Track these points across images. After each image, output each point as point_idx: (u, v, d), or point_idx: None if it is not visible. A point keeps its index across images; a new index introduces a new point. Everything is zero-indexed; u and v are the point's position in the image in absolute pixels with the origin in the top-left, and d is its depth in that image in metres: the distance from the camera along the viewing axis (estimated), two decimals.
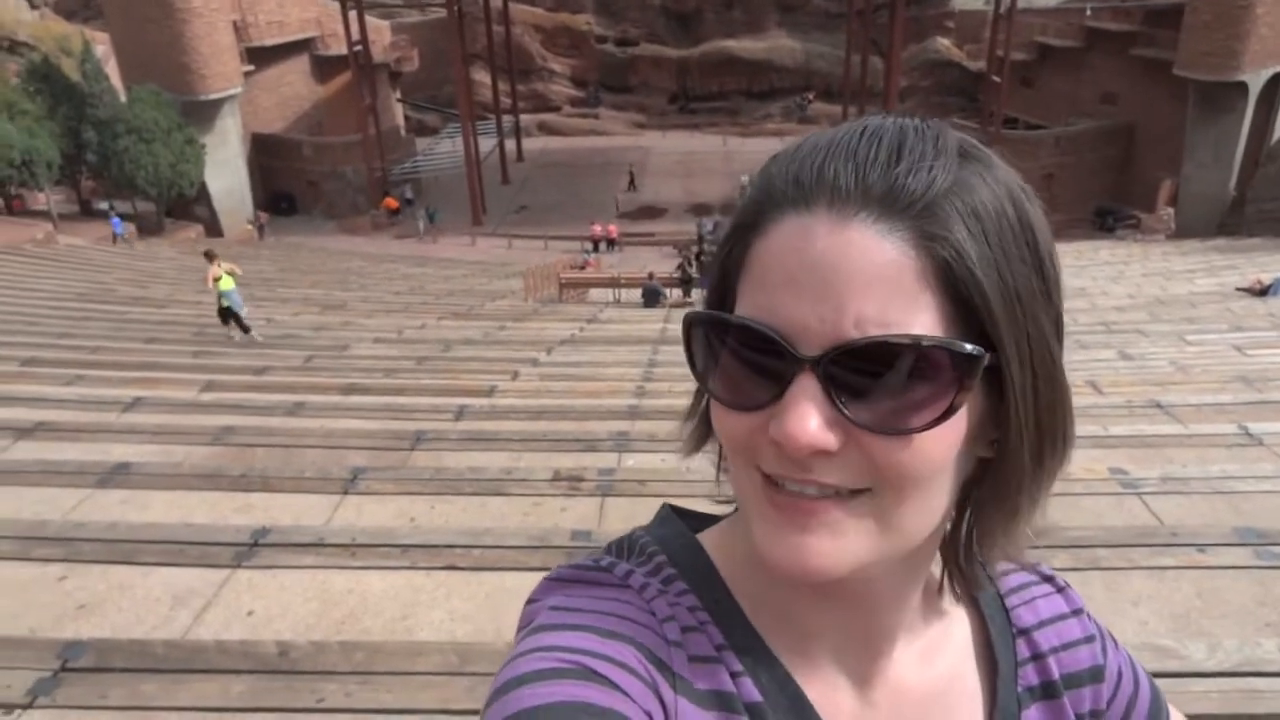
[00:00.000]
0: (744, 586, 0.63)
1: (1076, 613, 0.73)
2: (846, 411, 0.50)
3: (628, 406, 7.30)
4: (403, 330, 13.23)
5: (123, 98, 27.85)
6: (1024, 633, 0.70)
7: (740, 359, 0.53)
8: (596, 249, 29.81)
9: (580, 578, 0.63)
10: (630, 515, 4.45)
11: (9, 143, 23.53)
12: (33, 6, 49.11)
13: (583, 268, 25.00)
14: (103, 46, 31.35)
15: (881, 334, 0.49)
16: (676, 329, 12.53)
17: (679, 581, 0.62)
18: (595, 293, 21.08)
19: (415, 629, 3.24)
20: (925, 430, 0.50)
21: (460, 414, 6.85)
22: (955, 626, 0.69)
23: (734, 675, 0.59)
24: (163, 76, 28.45)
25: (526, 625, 0.60)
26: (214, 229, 30.69)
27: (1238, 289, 16.00)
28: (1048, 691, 0.69)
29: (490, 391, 8.14)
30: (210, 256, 12.90)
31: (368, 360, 10.46)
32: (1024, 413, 0.53)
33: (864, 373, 0.49)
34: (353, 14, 32.32)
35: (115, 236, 25.22)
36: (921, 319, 0.49)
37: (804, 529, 0.52)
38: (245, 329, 12.33)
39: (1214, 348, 10.11)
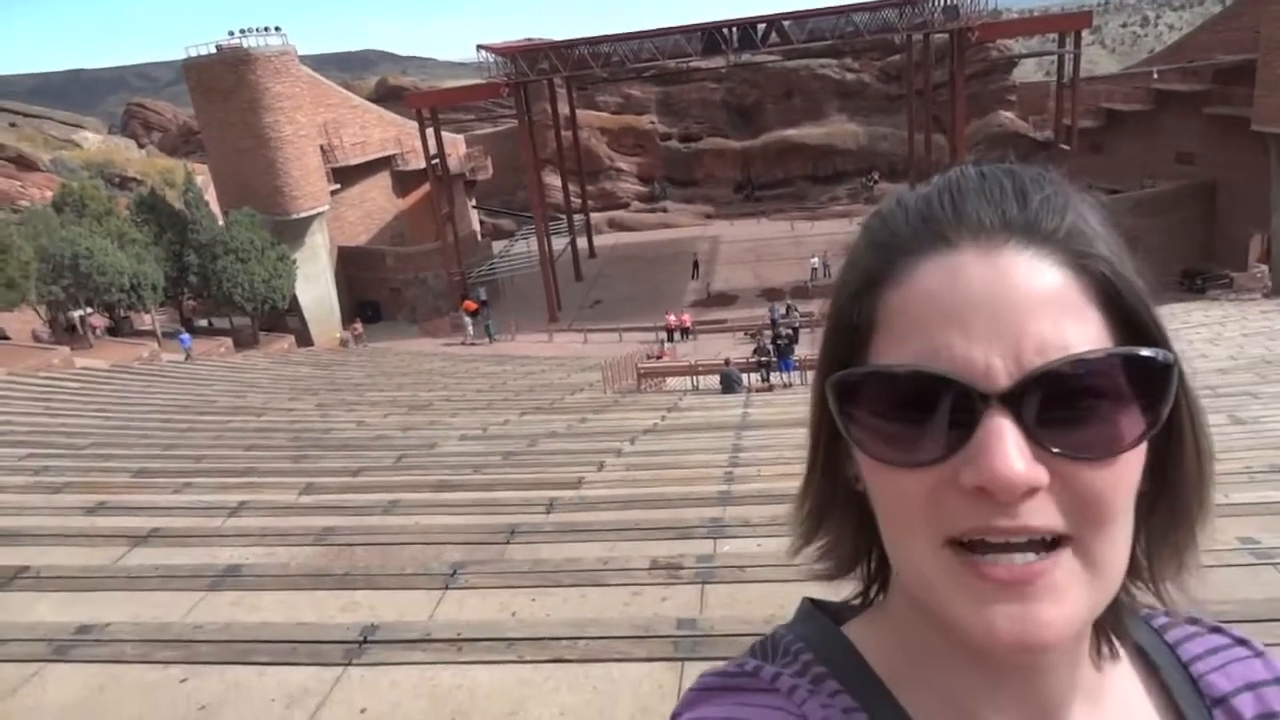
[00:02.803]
0: (899, 679, 0.58)
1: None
2: (1048, 442, 0.47)
3: (718, 493, 7.23)
4: (487, 427, 13.45)
5: (220, 222, 29.75)
6: (1220, 702, 0.62)
7: (906, 413, 0.49)
8: (671, 338, 30.06)
9: (726, 685, 0.59)
10: (731, 600, 4.36)
11: (120, 269, 25.21)
12: (140, 146, 53.30)
13: (659, 358, 25.19)
14: (202, 176, 33.72)
15: (1075, 354, 0.47)
16: (758, 414, 12.37)
17: (830, 680, 0.58)
18: (673, 381, 21.15)
19: None
20: (1134, 447, 0.49)
21: (551, 506, 6.88)
22: (1125, 688, 0.61)
23: None
24: (257, 200, 30.38)
25: None
26: (304, 338, 32.08)
27: None
28: None
29: (578, 483, 8.17)
30: None
31: (456, 457, 10.63)
32: (1193, 426, 0.53)
33: (1059, 398, 0.47)
34: (430, 131, 34.14)
35: (186, 353, 25.72)
36: (1095, 336, 0.49)
37: (1024, 597, 0.47)
38: None
39: None
